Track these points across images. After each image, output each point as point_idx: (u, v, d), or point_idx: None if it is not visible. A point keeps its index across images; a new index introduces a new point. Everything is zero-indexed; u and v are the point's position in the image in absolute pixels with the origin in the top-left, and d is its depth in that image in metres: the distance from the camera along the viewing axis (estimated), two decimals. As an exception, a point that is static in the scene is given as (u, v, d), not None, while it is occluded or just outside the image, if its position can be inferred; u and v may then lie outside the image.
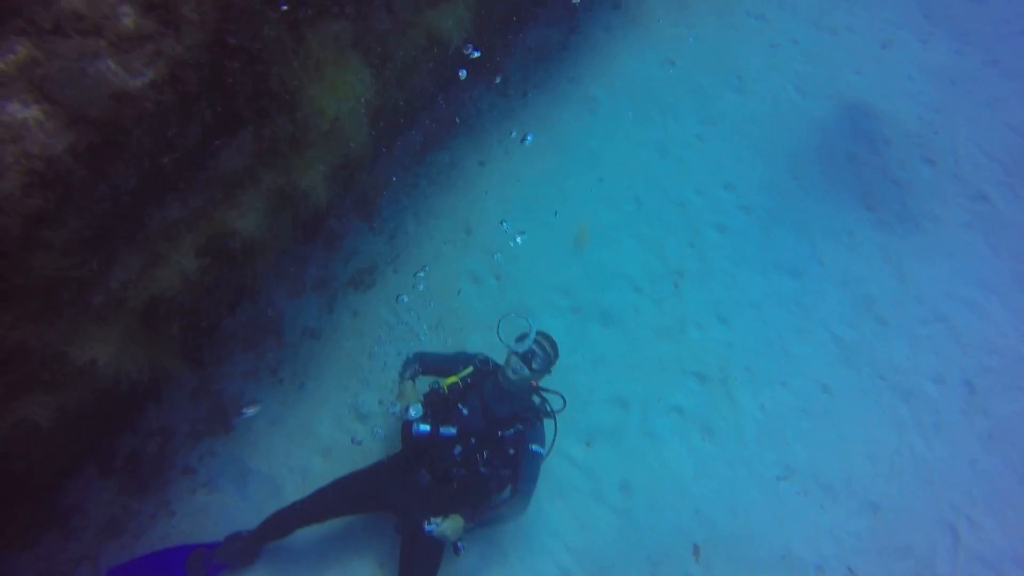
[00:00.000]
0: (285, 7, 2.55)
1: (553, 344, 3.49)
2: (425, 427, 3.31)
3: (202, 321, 3.70)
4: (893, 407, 4.28)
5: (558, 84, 5.10)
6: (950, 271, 4.64)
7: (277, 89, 2.54)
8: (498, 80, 4.87)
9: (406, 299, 4.26)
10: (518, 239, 4.46)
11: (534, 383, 3.42)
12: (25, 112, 2.06)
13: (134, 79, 2.23)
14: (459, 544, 3.19)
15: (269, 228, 2.95)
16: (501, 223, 4.53)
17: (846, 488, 4.01)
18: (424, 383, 3.57)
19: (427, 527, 3.06)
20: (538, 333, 3.50)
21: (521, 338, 3.38)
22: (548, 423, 3.48)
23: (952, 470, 4.09)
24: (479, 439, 3.35)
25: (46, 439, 2.77)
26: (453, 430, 3.33)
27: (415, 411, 3.33)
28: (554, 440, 3.49)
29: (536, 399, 3.54)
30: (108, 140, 2.20)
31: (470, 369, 3.55)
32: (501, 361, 3.54)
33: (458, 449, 3.34)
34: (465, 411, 3.40)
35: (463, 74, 3.95)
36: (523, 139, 4.61)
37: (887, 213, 4.83)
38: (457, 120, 4.76)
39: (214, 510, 3.78)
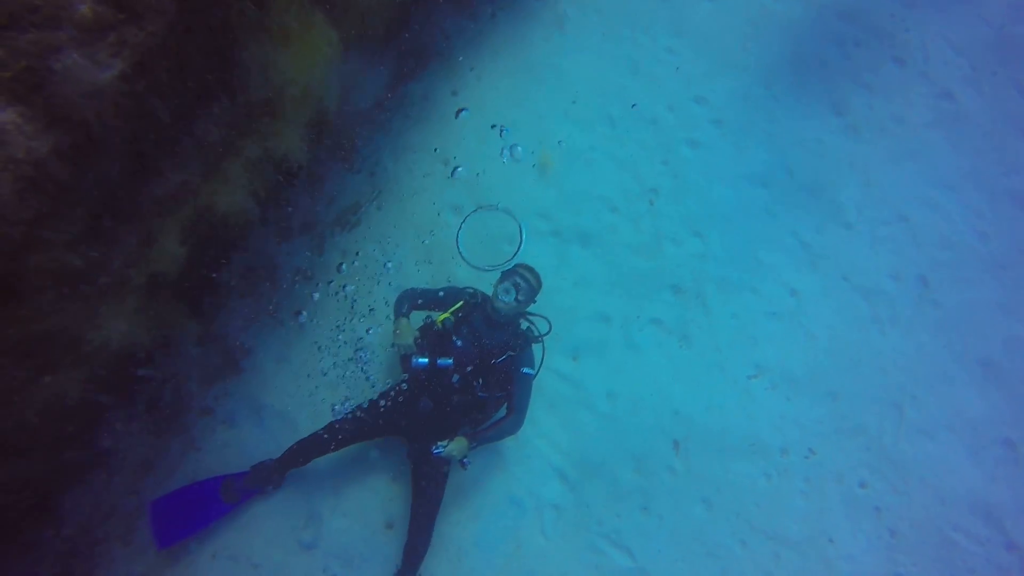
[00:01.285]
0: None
1: (536, 275, 3.72)
2: (423, 359, 3.59)
3: (199, 277, 3.85)
4: (854, 304, 4.62)
5: (526, 2, 4.93)
6: (913, 172, 4.82)
7: (247, 63, 2.54)
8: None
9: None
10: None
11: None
12: (1, 115, 2.10)
13: (103, 72, 2.24)
14: (465, 460, 3.56)
15: (253, 194, 3.04)
16: (508, 148, 4.60)
17: (809, 381, 4.43)
18: (417, 318, 3.82)
19: (435, 450, 3.43)
20: (521, 265, 3.73)
21: (506, 275, 3.61)
22: (536, 346, 3.79)
23: (902, 357, 4.50)
24: (474, 367, 3.64)
25: (77, 403, 3.03)
26: (449, 360, 3.61)
27: (414, 353, 3.58)
28: (542, 361, 3.79)
29: (524, 324, 3.82)
30: (90, 136, 2.26)
31: (460, 303, 3.79)
32: (488, 291, 3.79)
33: (456, 377, 3.64)
34: (459, 342, 3.67)
35: None
36: None
37: (855, 118, 4.91)
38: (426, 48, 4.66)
39: (235, 444, 4.14)
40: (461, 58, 4.75)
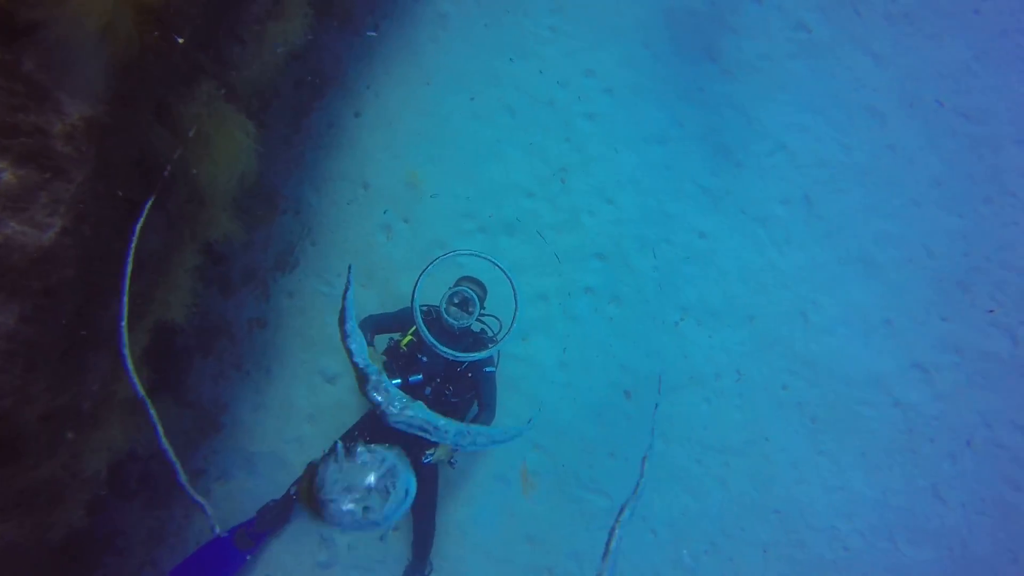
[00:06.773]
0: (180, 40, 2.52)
1: (480, 284, 4.07)
2: (396, 380, 3.93)
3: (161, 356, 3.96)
4: (754, 233, 5.22)
5: (405, 7, 4.95)
6: (784, 102, 5.35)
7: (172, 174, 2.65)
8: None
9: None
10: None
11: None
12: (-37, 297, 2.19)
13: (45, 233, 2.32)
14: (452, 461, 3.99)
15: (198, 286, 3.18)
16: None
17: (728, 310, 5.07)
18: (381, 342, 4.11)
19: (424, 459, 3.82)
20: (464, 279, 4.04)
21: (453, 293, 3.90)
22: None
23: (800, 270, 5.19)
24: (442, 378, 4.01)
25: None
26: (419, 376, 3.96)
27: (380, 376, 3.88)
28: (499, 357, 4.21)
29: (478, 327, 4.19)
30: (49, 294, 2.36)
31: (417, 324, 4.09)
32: (438, 303, 4.08)
33: (428, 390, 4.00)
34: (424, 359, 4.01)
35: None
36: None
37: (728, 62, 5.34)
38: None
39: (236, 495, 4.40)
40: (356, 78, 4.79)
